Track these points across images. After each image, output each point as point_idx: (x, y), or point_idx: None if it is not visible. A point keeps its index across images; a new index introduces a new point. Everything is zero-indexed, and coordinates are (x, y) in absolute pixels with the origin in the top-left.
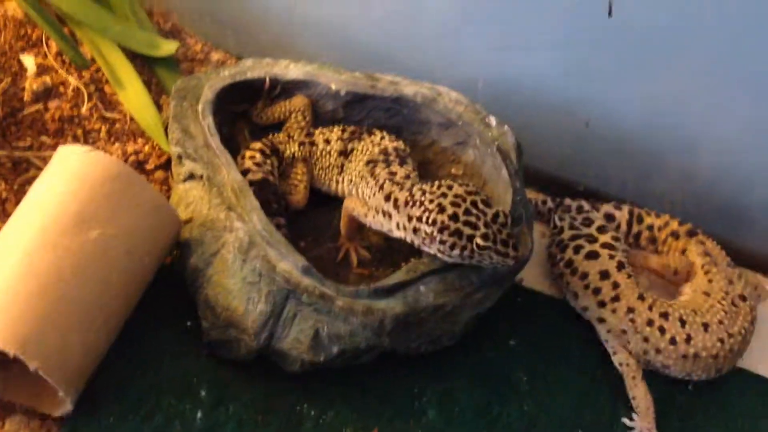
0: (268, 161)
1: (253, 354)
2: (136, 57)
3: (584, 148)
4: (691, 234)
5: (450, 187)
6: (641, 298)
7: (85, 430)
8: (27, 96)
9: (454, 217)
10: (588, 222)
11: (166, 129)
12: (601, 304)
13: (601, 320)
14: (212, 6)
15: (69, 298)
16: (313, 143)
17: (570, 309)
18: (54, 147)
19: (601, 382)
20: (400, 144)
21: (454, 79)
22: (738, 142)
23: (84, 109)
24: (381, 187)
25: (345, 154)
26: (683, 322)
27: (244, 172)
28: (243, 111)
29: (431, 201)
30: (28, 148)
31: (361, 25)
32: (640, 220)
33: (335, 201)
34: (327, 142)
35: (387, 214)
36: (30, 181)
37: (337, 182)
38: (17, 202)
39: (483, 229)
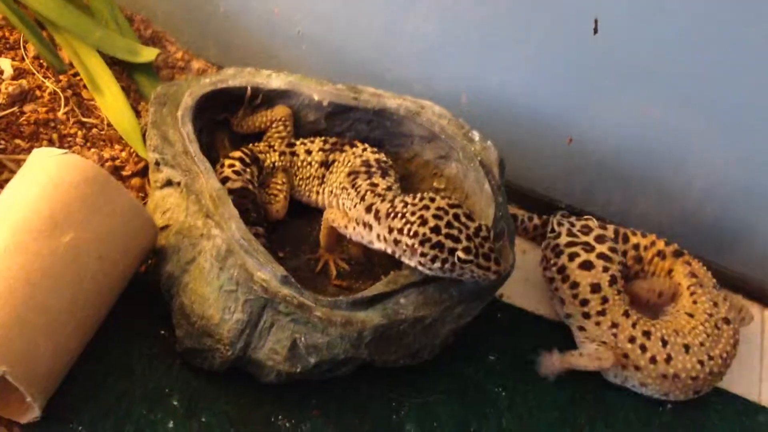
0: (248, 170)
1: (228, 364)
2: (116, 63)
3: (567, 166)
4: (677, 254)
5: (432, 200)
6: (626, 314)
7: None
8: (2, 99)
9: (436, 230)
10: (587, 230)
11: (144, 135)
12: (586, 316)
13: (582, 329)
14: (194, 14)
15: (39, 303)
16: (294, 153)
17: (550, 325)
18: (29, 150)
19: (580, 399)
20: (382, 156)
21: (438, 93)
22: (722, 164)
23: (60, 114)
24: (362, 198)
25: (326, 165)
26: (665, 342)
27: (224, 181)
28: (223, 119)
29: (413, 213)
30: (2, 150)
31: (345, 38)
32: (626, 240)
33: (315, 212)
34: (308, 152)
35: (368, 226)
36: (2, 185)
37: (318, 193)
38: None
39: (465, 243)
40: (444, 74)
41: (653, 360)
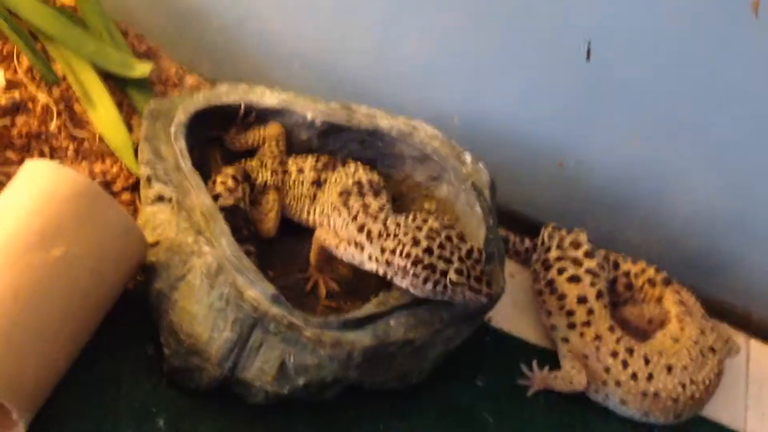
0: (240, 187)
1: (216, 384)
2: (109, 77)
3: (558, 189)
4: (667, 282)
5: (425, 221)
6: (611, 329)
7: None
8: None
9: (428, 251)
10: (576, 245)
11: (135, 150)
12: (571, 326)
13: (566, 340)
14: (188, 30)
15: (27, 318)
16: (285, 172)
17: (538, 350)
18: (19, 163)
19: (568, 424)
20: (375, 176)
21: (430, 114)
22: (709, 193)
23: (52, 126)
24: (354, 218)
25: (318, 184)
26: (647, 360)
27: (215, 197)
28: (216, 136)
29: (405, 233)
30: None
31: (338, 57)
32: (616, 266)
33: (306, 230)
34: (300, 171)
35: (359, 246)
36: None
37: (309, 212)
38: None
39: (457, 264)
40: (437, 95)
41: (634, 376)
